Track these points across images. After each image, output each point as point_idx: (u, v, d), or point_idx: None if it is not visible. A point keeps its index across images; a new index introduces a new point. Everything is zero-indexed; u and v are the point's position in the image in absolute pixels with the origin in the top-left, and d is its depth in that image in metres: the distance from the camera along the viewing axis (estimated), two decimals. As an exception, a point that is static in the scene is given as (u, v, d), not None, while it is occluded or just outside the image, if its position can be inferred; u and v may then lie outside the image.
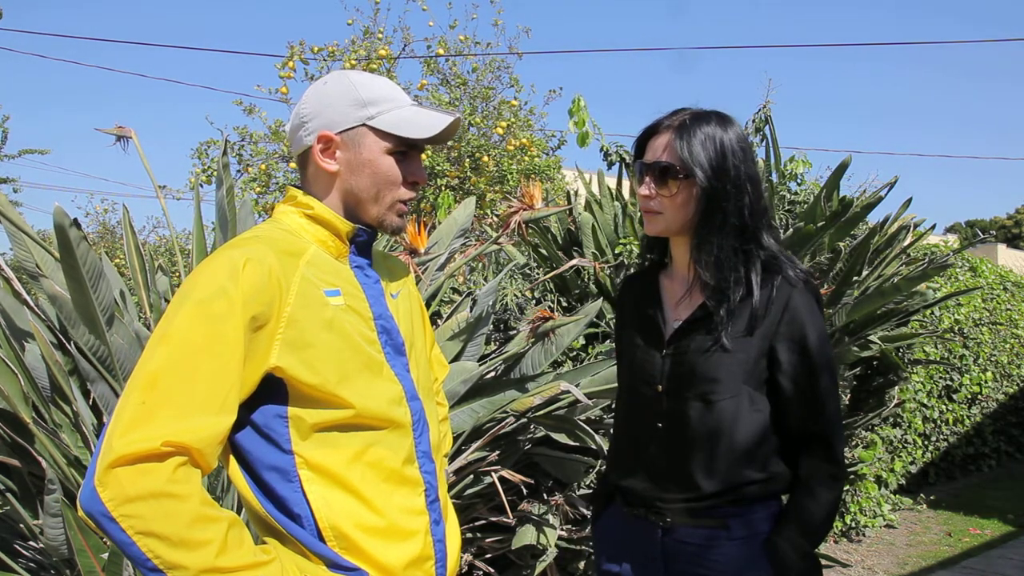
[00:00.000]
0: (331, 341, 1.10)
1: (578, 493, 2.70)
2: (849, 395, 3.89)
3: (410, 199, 1.21)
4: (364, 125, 1.16)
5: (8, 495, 2.03)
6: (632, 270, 2.87)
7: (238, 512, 1.86)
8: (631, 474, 1.47)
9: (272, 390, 1.07)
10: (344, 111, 1.17)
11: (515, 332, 2.89)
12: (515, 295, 3.05)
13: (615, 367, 1.89)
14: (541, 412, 2.40)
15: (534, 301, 3.22)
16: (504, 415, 2.36)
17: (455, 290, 3.09)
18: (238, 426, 1.06)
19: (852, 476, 4.23)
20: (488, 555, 2.57)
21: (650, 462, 1.44)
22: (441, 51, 7.84)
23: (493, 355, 2.65)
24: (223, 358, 0.99)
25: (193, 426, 0.96)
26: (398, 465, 1.15)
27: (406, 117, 1.18)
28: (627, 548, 1.49)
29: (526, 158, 7.38)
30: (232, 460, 1.11)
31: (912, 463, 5.28)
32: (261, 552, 1.00)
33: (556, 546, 2.52)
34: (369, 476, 1.12)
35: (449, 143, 7.10)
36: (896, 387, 4.25)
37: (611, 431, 1.74)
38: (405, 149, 1.19)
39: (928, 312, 4.80)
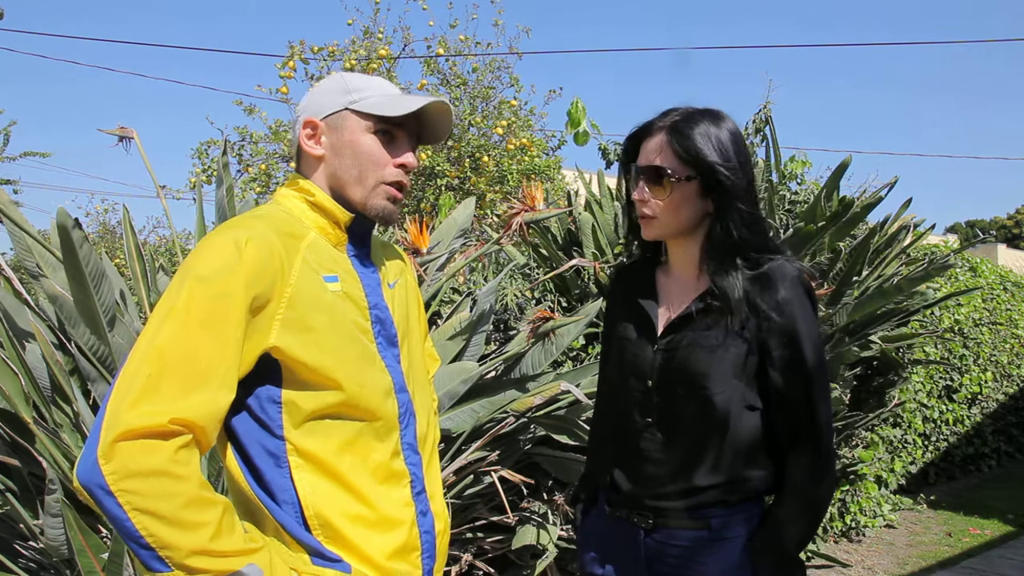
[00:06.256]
0: (329, 325, 1.11)
1: (578, 493, 2.70)
2: (849, 395, 3.89)
3: (397, 183, 1.21)
4: (346, 109, 1.19)
5: (8, 495, 2.03)
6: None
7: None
8: (615, 470, 1.46)
9: (268, 371, 1.08)
10: (330, 98, 1.20)
11: (515, 332, 2.89)
12: (515, 295, 3.05)
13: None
14: (541, 412, 2.40)
15: (534, 301, 3.22)
16: (504, 415, 2.36)
17: (455, 290, 3.09)
18: (234, 409, 1.07)
19: (852, 476, 4.24)
20: (488, 555, 2.57)
21: (636, 458, 1.42)
22: (441, 51, 7.85)
23: (493, 355, 2.65)
24: (225, 335, 1.00)
25: (197, 402, 0.97)
26: (385, 457, 1.16)
27: (388, 98, 1.20)
28: (611, 550, 1.48)
29: (526, 158, 7.39)
30: (228, 445, 1.12)
31: (912, 463, 5.28)
32: (250, 540, 1.01)
33: (556, 546, 2.52)
34: (357, 466, 1.13)
35: (449, 143, 7.10)
36: (896, 387, 4.25)
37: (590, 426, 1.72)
38: (388, 128, 1.20)
39: (928, 312, 4.80)
